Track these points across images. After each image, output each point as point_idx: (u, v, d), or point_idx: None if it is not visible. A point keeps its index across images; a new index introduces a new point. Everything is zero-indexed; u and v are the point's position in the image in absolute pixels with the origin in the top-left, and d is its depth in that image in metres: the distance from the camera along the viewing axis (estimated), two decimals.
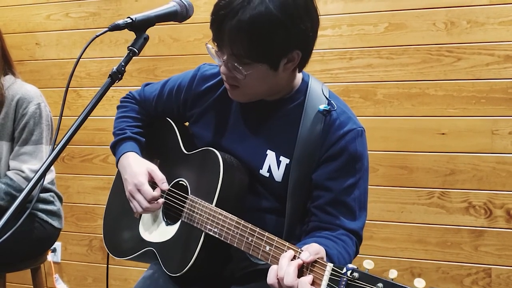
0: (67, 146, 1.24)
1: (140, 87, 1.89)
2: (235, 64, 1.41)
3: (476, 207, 2.63)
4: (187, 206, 1.58)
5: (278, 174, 1.54)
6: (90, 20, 3.35)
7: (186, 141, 1.75)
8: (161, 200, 1.62)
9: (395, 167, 2.75)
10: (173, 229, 1.63)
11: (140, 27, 1.38)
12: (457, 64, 2.65)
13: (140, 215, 1.77)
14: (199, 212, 1.53)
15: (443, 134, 2.67)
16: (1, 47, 2.37)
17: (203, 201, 1.53)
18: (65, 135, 1.23)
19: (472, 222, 2.64)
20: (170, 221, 1.67)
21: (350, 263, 1.21)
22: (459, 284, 2.66)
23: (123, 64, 1.34)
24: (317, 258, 1.23)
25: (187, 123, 1.80)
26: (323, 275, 1.20)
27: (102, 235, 1.88)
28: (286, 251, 1.29)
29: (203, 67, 1.72)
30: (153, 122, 1.86)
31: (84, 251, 3.41)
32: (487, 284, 2.62)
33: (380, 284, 1.10)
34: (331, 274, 1.19)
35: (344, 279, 1.15)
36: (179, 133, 1.77)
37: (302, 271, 1.24)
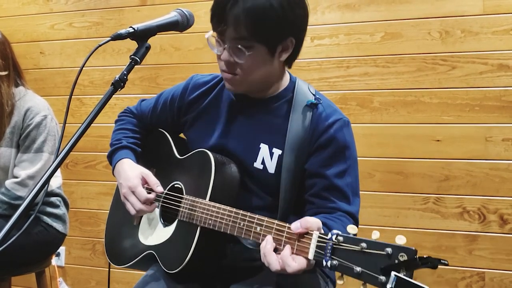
0: (71, 152, 1.27)
1: (137, 102, 1.96)
2: (238, 46, 1.49)
3: (470, 212, 2.66)
4: (182, 205, 1.63)
5: (271, 166, 1.61)
6: (93, 30, 3.41)
7: (179, 147, 1.81)
8: (154, 204, 1.67)
9: (391, 173, 2.77)
10: (170, 229, 1.67)
11: (142, 36, 1.41)
12: (452, 72, 2.69)
13: (139, 223, 1.80)
14: (194, 208, 1.57)
15: (438, 140, 2.71)
16: (12, 59, 2.45)
17: (198, 198, 1.58)
18: (69, 142, 1.25)
19: (466, 227, 2.67)
20: (167, 222, 1.71)
21: None
22: None
23: (125, 72, 1.36)
24: (307, 228, 1.27)
25: (181, 134, 1.87)
26: (310, 243, 1.25)
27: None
28: (272, 232, 1.35)
29: (195, 77, 1.81)
30: (148, 134, 1.91)
31: (88, 255, 3.44)
32: (480, 287, 2.65)
33: (363, 244, 1.15)
34: (318, 241, 1.24)
35: (330, 243, 1.20)
36: (172, 140, 1.83)
37: (289, 243, 1.30)
